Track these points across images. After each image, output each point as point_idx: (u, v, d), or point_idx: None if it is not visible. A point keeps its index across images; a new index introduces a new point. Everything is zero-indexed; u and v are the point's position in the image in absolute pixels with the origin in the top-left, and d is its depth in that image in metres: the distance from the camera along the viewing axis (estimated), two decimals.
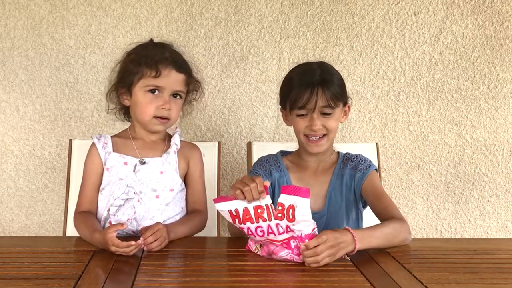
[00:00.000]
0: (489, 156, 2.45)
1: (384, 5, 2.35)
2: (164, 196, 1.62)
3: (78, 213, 1.61)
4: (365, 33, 2.35)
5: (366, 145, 2.16)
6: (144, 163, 1.63)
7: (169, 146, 1.69)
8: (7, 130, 2.31)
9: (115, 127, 2.16)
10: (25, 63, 2.29)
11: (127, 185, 1.59)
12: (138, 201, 1.59)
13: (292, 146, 1.78)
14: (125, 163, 1.62)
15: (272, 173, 1.68)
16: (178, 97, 1.64)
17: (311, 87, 1.54)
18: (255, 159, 1.95)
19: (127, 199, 1.59)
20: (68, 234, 1.81)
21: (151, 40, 1.71)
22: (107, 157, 1.63)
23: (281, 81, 1.66)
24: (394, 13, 2.35)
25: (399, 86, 2.39)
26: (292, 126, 1.65)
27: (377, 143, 2.09)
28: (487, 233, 2.50)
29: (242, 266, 1.29)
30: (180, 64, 1.63)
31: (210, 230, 1.86)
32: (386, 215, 1.50)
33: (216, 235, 1.87)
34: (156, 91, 1.60)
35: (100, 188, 1.63)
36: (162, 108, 1.60)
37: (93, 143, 1.67)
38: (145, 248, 1.36)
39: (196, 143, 1.81)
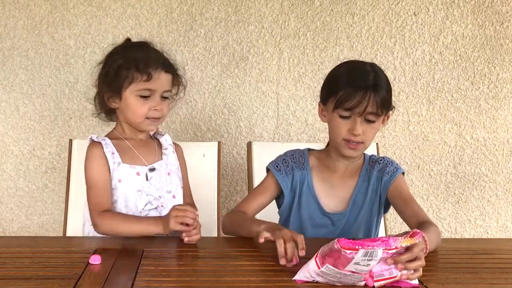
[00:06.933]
0: (489, 156, 2.45)
1: (384, 5, 2.35)
2: (179, 195, 1.68)
3: (103, 211, 1.54)
4: (365, 33, 2.35)
5: None
6: (154, 169, 1.64)
7: (160, 145, 1.71)
8: (7, 130, 2.31)
9: None
10: (25, 63, 2.28)
11: (147, 194, 1.61)
12: (162, 206, 1.62)
13: (292, 146, 1.78)
14: (138, 174, 1.62)
15: (294, 172, 1.62)
16: (166, 96, 1.65)
17: (364, 91, 1.46)
18: (255, 159, 1.95)
19: (150, 209, 1.61)
20: (68, 234, 1.81)
21: (128, 39, 1.69)
22: (115, 167, 1.60)
23: (327, 75, 1.59)
24: (394, 13, 2.35)
25: (399, 86, 2.39)
26: (327, 123, 1.59)
27: (377, 143, 2.09)
28: (487, 233, 2.50)
29: (242, 266, 1.29)
30: (168, 64, 1.63)
31: (210, 230, 1.86)
32: (418, 219, 1.47)
33: (216, 235, 1.87)
34: (148, 94, 1.60)
35: (113, 200, 1.60)
36: (155, 109, 1.60)
37: (96, 145, 1.61)
38: (186, 240, 1.42)
39: (196, 143, 1.82)
